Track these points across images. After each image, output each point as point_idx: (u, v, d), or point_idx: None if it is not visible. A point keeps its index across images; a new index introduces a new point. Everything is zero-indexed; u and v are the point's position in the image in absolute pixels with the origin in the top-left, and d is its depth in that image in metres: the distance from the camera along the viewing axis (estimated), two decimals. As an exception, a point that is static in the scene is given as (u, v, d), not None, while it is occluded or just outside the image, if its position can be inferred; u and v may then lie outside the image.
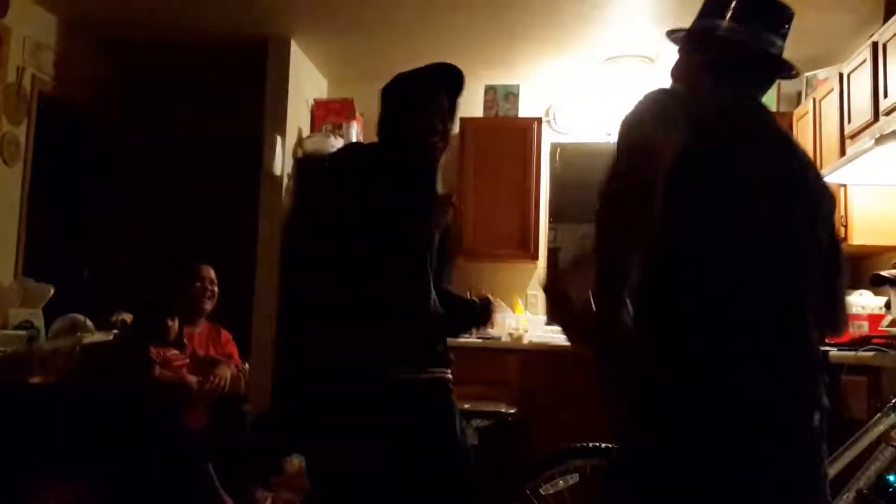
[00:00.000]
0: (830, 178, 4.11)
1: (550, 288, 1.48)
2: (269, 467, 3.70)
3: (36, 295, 3.98)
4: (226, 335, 3.99)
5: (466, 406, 4.37)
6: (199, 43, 5.28)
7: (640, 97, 1.57)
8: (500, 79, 5.71)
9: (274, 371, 4.61)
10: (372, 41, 5.25)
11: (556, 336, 5.09)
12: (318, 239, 2.33)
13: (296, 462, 3.74)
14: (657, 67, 5.35)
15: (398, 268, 2.24)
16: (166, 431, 3.38)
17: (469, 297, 2.74)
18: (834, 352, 3.40)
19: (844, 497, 2.47)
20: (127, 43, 5.36)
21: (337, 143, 5.30)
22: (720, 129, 1.55)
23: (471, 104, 5.71)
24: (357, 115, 5.51)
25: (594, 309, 1.37)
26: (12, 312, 3.87)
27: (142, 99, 5.94)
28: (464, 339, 5.15)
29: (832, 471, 2.37)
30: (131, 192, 5.83)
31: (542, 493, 2.67)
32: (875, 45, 3.83)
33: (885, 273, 3.46)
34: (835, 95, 4.33)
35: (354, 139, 5.38)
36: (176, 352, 3.58)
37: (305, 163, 5.27)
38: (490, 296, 2.79)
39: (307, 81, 5.56)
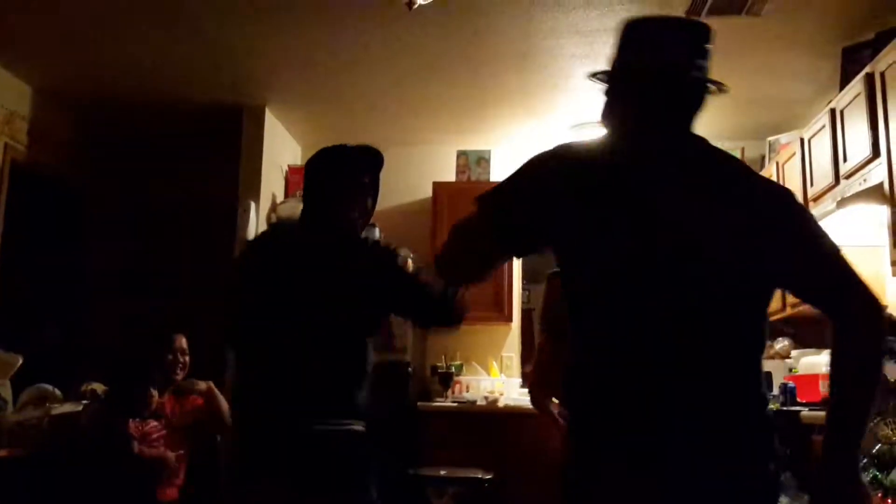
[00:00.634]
0: (795, 240, 4.20)
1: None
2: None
3: (4, 365, 3.92)
4: (192, 398, 3.94)
5: (442, 472, 4.34)
6: (173, 110, 5.33)
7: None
8: (472, 144, 5.81)
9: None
10: (346, 109, 5.34)
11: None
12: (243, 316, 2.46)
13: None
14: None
15: (315, 340, 2.34)
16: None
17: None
18: (805, 412, 3.44)
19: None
20: (101, 111, 5.40)
21: (310, 208, 5.33)
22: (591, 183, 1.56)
23: (443, 169, 5.81)
24: (331, 180, 5.55)
25: None
26: (-21, 383, 3.81)
27: (114, 165, 5.94)
28: (438, 403, 5.15)
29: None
30: (102, 260, 5.79)
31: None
32: (833, 111, 3.96)
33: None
34: (797, 159, 4.45)
35: (328, 204, 5.40)
36: (155, 423, 3.52)
37: (277, 226, 5.29)
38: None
39: (281, 147, 5.62)
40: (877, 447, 2.28)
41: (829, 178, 3.99)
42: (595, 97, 5.14)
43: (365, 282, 2.37)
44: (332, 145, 2.61)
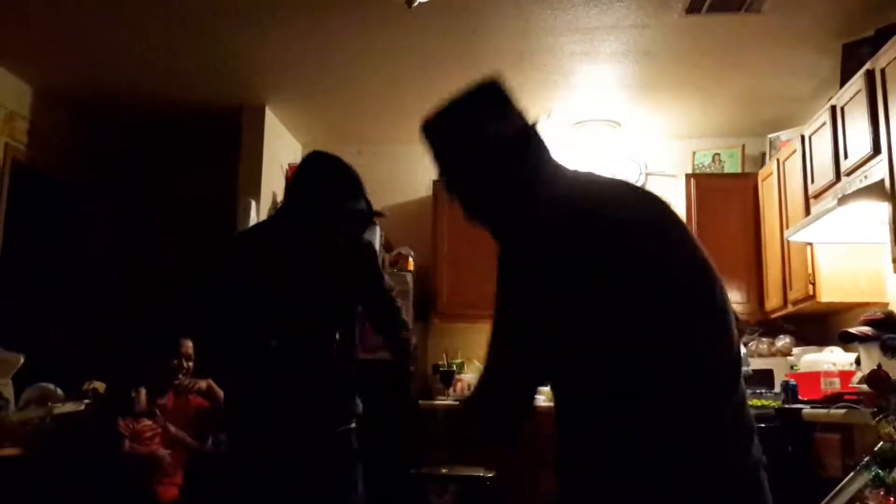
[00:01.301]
0: (796, 238, 4.22)
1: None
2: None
3: (5, 364, 3.91)
4: (193, 398, 3.94)
5: (443, 470, 4.34)
6: (173, 110, 5.32)
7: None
8: (472, 142, 5.80)
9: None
10: (346, 107, 5.34)
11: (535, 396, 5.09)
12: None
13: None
14: (623, 131, 5.48)
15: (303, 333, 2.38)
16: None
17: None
18: (807, 409, 3.44)
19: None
20: (101, 110, 5.40)
21: (311, 206, 5.32)
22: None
23: (443, 167, 5.79)
24: (331, 179, 5.55)
25: None
26: (-20, 383, 3.81)
27: (115, 165, 5.94)
28: (440, 402, 5.15)
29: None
30: (103, 259, 5.79)
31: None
32: (833, 108, 3.96)
33: (853, 330, 3.51)
34: (797, 157, 4.45)
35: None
36: (149, 423, 3.51)
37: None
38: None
39: (281, 146, 5.61)
40: (879, 445, 2.28)
41: (830, 176, 3.99)
42: (594, 95, 5.15)
43: (345, 274, 2.44)
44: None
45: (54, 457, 3.36)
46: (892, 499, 2.11)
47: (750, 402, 1.56)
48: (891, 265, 3.43)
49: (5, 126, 4.75)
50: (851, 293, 4.18)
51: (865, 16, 3.85)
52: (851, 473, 2.55)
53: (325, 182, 2.43)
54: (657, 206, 1.58)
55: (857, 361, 3.85)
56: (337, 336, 2.42)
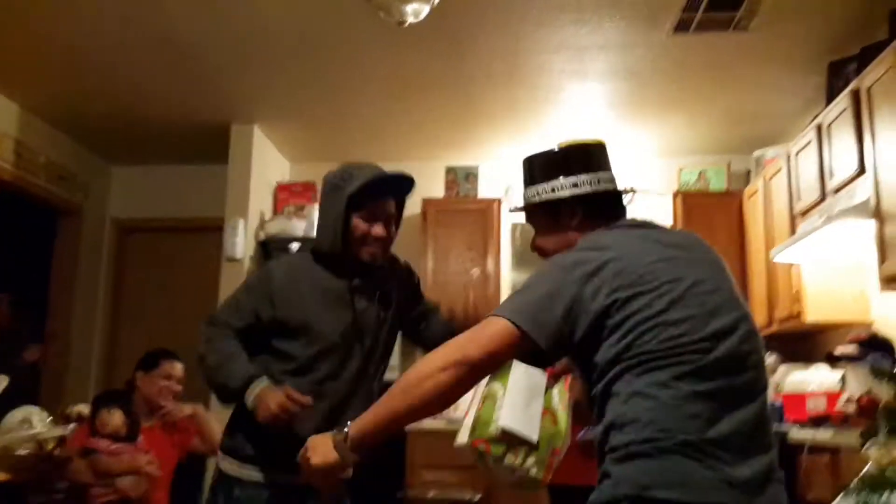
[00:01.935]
0: (782, 257, 4.23)
1: None
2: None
3: (-11, 385, 3.86)
4: (181, 422, 3.88)
5: (431, 494, 4.31)
6: (161, 129, 5.31)
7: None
8: (461, 160, 5.82)
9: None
10: (335, 126, 5.33)
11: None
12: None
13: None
14: (611, 148, 5.46)
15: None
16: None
17: None
18: (794, 431, 3.43)
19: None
20: (88, 130, 5.37)
21: (300, 225, 5.31)
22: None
23: (432, 185, 5.80)
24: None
25: None
26: (-39, 405, 3.75)
27: (102, 183, 5.93)
28: (428, 423, 5.11)
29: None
30: (91, 279, 5.76)
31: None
32: (819, 127, 3.98)
33: (838, 350, 3.51)
34: (783, 175, 4.47)
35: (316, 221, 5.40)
36: (118, 446, 3.42)
37: (269, 247, 5.27)
38: None
39: (270, 164, 5.60)
40: (867, 468, 2.27)
41: (816, 194, 4.01)
42: (581, 113, 5.17)
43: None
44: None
45: (41, 483, 3.31)
46: (881, 524, 2.09)
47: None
48: (876, 284, 3.44)
49: (-9, 145, 4.73)
50: (837, 312, 4.19)
51: (851, 35, 3.89)
52: (839, 497, 2.54)
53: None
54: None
55: (843, 381, 3.85)
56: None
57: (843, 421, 3.18)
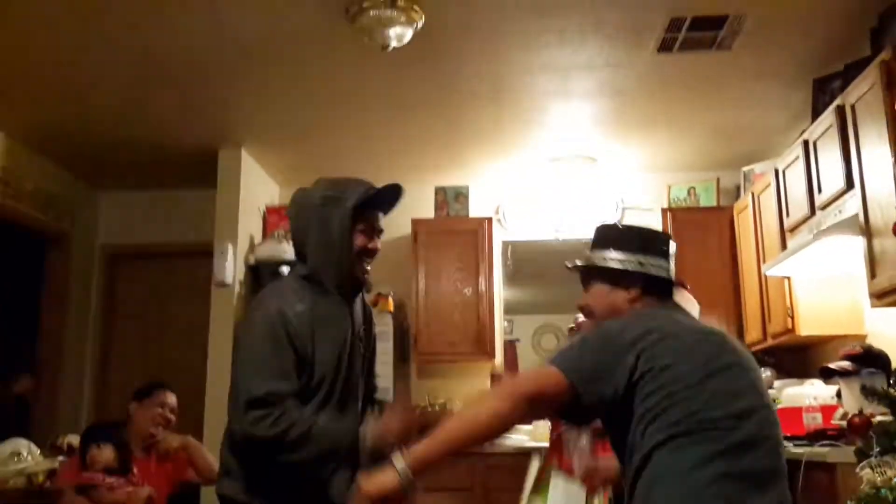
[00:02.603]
0: (774, 272, 4.24)
1: None
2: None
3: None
4: (174, 453, 3.85)
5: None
6: (149, 153, 5.28)
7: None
8: (450, 180, 5.82)
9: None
10: (323, 148, 5.32)
11: (518, 437, 5.05)
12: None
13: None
14: (599, 166, 5.51)
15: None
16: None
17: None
18: (790, 447, 3.42)
19: None
20: (75, 156, 5.35)
21: (289, 248, 5.27)
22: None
23: (422, 205, 5.80)
24: (309, 219, 5.53)
25: None
26: (-51, 438, 3.71)
27: (90, 209, 5.91)
28: (423, 443, 5.09)
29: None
30: (80, 305, 5.73)
31: None
32: (806, 143, 4.00)
33: (833, 365, 3.51)
34: (772, 190, 4.49)
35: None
36: (113, 480, 3.38)
37: (259, 271, 5.25)
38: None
39: (259, 188, 5.59)
40: (862, 486, 2.27)
41: (805, 210, 4.02)
42: (569, 131, 5.19)
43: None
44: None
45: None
46: (878, 543, 2.09)
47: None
48: (868, 299, 3.44)
49: (-23, 174, 4.70)
50: (830, 326, 4.19)
51: (834, 52, 3.91)
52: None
53: None
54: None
55: (839, 394, 3.85)
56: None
57: (839, 436, 3.17)
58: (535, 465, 3.14)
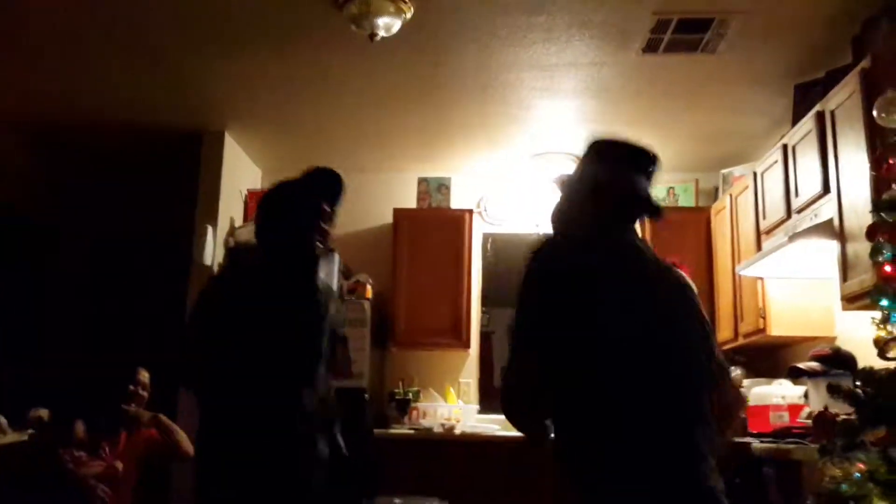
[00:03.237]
0: (748, 272, 4.31)
1: None
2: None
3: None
4: (145, 430, 3.86)
5: (397, 501, 4.32)
6: (132, 136, 5.26)
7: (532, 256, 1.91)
8: (433, 171, 5.84)
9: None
10: (307, 134, 5.33)
11: (489, 426, 5.10)
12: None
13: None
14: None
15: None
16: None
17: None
18: (756, 444, 3.49)
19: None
20: (57, 138, 5.32)
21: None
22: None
23: (404, 195, 5.82)
24: (290, 205, 5.54)
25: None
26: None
27: (71, 193, 5.88)
28: (395, 431, 5.13)
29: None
30: (59, 286, 5.71)
31: None
32: (785, 147, 4.06)
33: (801, 365, 3.58)
34: (750, 193, 4.55)
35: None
36: (84, 454, 3.40)
37: (236, 253, 5.24)
38: None
39: (241, 172, 5.58)
40: (824, 482, 2.33)
41: (782, 213, 4.09)
42: (552, 128, 5.21)
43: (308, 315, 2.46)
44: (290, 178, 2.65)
45: (-1, 489, 3.28)
46: (838, 538, 2.15)
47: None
48: (840, 302, 3.51)
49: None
50: (801, 327, 4.26)
51: (816, 59, 3.97)
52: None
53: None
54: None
55: (806, 395, 3.92)
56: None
57: (804, 434, 3.24)
58: None
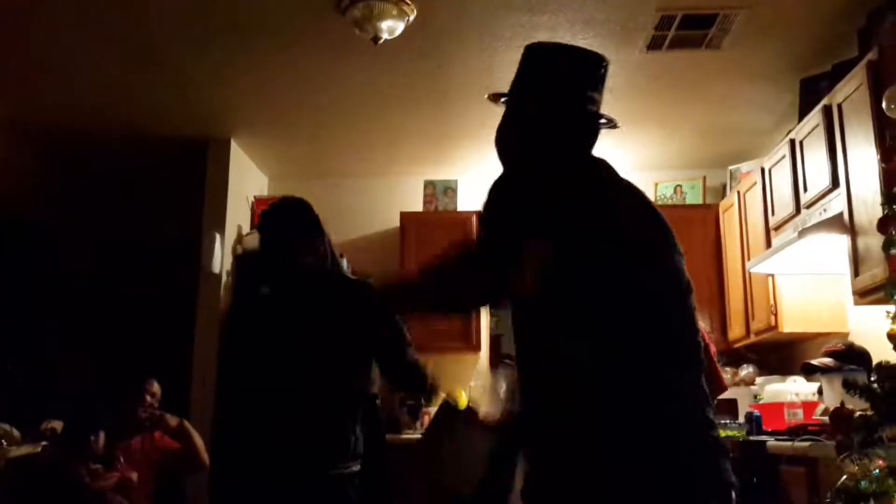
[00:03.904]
0: (758, 269, 4.28)
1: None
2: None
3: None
4: (158, 434, 3.86)
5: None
6: (138, 142, 5.27)
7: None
8: (439, 174, 5.83)
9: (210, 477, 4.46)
10: (312, 140, 5.33)
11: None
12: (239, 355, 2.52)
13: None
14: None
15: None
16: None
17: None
18: (771, 442, 3.46)
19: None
20: (63, 144, 5.31)
21: (276, 239, 5.29)
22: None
23: (411, 199, 5.81)
24: (297, 211, 5.54)
25: None
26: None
27: (77, 199, 5.88)
28: (407, 436, 5.11)
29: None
30: (66, 294, 5.71)
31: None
32: (793, 142, 4.04)
33: (815, 362, 3.55)
34: (758, 189, 4.53)
35: (294, 235, 5.39)
36: (100, 467, 3.40)
37: (245, 260, 5.24)
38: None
39: (247, 179, 5.58)
40: (842, 480, 2.30)
41: (790, 208, 4.06)
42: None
43: (353, 325, 2.47)
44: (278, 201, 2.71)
45: (9, 501, 3.27)
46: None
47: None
48: (851, 297, 3.48)
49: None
50: (813, 323, 4.23)
51: (822, 52, 3.95)
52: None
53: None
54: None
55: (820, 391, 3.90)
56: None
57: (820, 431, 3.21)
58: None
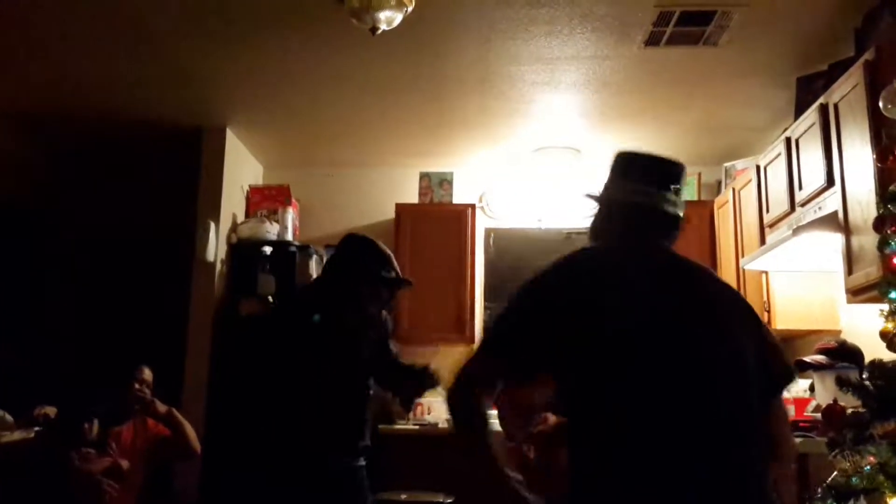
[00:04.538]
0: (752, 266, 4.29)
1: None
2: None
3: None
4: (151, 422, 3.86)
5: (403, 496, 4.31)
6: (134, 131, 5.26)
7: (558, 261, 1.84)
8: (435, 166, 5.82)
9: (202, 473, 4.47)
10: (308, 130, 5.33)
11: (493, 420, 5.08)
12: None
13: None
14: (583, 158, 5.54)
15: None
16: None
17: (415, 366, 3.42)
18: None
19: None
20: (58, 132, 5.31)
21: (272, 228, 5.30)
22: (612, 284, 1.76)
23: (406, 190, 5.81)
24: (293, 200, 5.54)
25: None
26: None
27: (72, 187, 5.86)
28: (400, 426, 5.12)
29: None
30: (60, 282, 5.70)
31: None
32: (788, 140, 4.05)
33: (807, 359, 3.57)
34: (753, 186, 4.54)
35: (290, 224, 5.39)
36: (92, 451, 3.41)
37: (241, 251, 5.24)
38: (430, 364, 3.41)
39: (242, 168, 5.57)
40: (833, 476, 2.32)
41: (785, 206, 4.07)
42: (554, 122, 5.18)
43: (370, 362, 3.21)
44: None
45: (2, 487, 3.27)
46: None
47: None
48: (844, 295, 3.50)
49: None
50: (806, 321, 4.26)
51: (819, 51, 3.96)
52: (806, 504, 2.58)
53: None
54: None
55: (812, 388, 3.92)
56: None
57: (811, 428, 3.23)
58: None
